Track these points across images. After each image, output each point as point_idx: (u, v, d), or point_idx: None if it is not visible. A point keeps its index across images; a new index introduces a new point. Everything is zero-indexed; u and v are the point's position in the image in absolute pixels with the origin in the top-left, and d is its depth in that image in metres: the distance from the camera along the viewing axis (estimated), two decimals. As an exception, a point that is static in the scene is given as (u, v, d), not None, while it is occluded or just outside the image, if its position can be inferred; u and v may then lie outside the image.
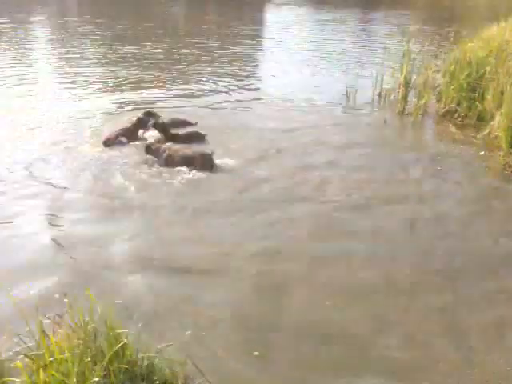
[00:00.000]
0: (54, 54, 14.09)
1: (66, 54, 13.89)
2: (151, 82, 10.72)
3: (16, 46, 14.79)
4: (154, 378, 2.78)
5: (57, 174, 6.14)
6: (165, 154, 6.43)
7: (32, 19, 21.40)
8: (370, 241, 4.82)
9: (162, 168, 6.33)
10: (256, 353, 3.40)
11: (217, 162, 6.42)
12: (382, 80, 9.18)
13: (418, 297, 4.03)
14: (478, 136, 7.30)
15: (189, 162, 6.34)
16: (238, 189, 5.86)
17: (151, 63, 12.51)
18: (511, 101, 6.75)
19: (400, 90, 8.95)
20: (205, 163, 6.29)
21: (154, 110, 7.81)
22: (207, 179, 6.10)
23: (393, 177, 6.17)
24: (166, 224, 5.09)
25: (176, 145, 6.79)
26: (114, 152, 6.79)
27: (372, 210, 5.38)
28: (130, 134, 7.21)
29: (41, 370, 2.43)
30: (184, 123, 7.76)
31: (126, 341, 2.75)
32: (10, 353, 2.85)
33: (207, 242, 4.75)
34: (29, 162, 6.36)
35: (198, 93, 9.98)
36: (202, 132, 7.36)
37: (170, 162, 6.37)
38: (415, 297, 4.03)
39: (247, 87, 10.59)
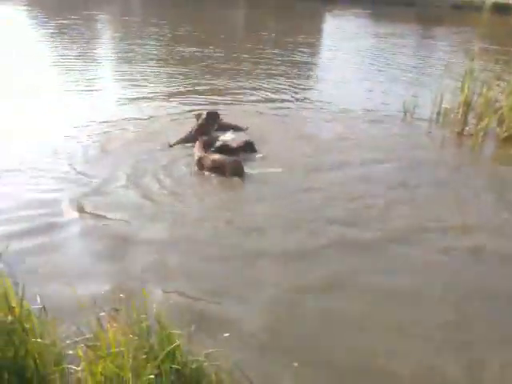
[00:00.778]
0: (114, 52, 14.71)
1: (126, 52, 14.43)
2: (210, 82, 11.02)
3: (79, 43, 15.43)
4: (202, 383, 2.83)
5: (94, 172, 6.16)
6: (196, 158, 6.44)
7: (96, 17, 22.30)
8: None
9: (194, 174, 6.30)
10: (295, 364, 3.38)
11: (256, 170, 6.31)
12: (442, 98, 8.97)
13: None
14: (541, 163, 6.97)
15: (218, 168, 6.21)
16: (271, 208, 5.40)
17: (211, 66, 12.82)
18: None
19: (460, 110, 8.74)
20: (234, 171, 6.13)
21: (217, 111, 7.85)
22: (238, 191, 5.94)
23: (454, 205, 5.77)
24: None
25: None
26: (166, 153, 6.90)
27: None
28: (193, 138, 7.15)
29: (101, 361, 2.52)
30: (234, 128, 7.77)
31: (178, 342, 2.81)
32: (68, 341, 2.95)
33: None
34: (72, 157, 6.55)
35: (253, 96, 10.15)
36: (251, 140, 7.22)
37: (200, 166, 6.36)
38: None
39: (304, 94, 10.66)
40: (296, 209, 5.45)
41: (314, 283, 4.21)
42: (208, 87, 10.62)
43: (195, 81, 11.07)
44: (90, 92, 9.87)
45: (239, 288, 4.11)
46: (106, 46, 15.70)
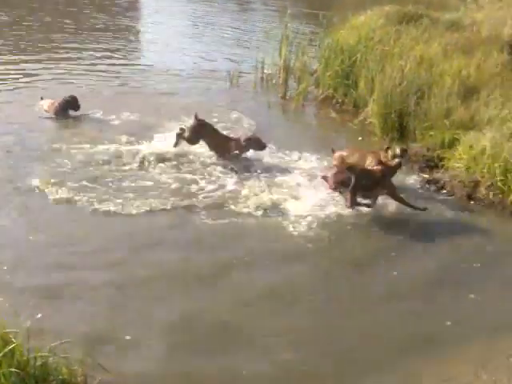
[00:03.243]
0: None
1: None
2: (27, 52, 10.28)
3: None
4: (50, 379, 2.70)
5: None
6: None
7: None
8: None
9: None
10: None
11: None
12: (263, 63, 9.28)
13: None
14: (355, 122, 7.62)
15: None
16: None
17: (24, 36, 11.65)
18: (381, 88, 7.07)
19: (280, 75, 9.18)
20: None
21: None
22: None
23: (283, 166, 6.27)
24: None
25: None
26: None
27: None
28: None
29: None
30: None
31: (14, 341, 2.64)
32: None
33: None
34: None
35: (79, 61, 9.93)
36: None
37: None
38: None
39: (131, 58, 10.72)
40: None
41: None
42: (24, 56, 9.85)
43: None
44: None
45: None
46: None
